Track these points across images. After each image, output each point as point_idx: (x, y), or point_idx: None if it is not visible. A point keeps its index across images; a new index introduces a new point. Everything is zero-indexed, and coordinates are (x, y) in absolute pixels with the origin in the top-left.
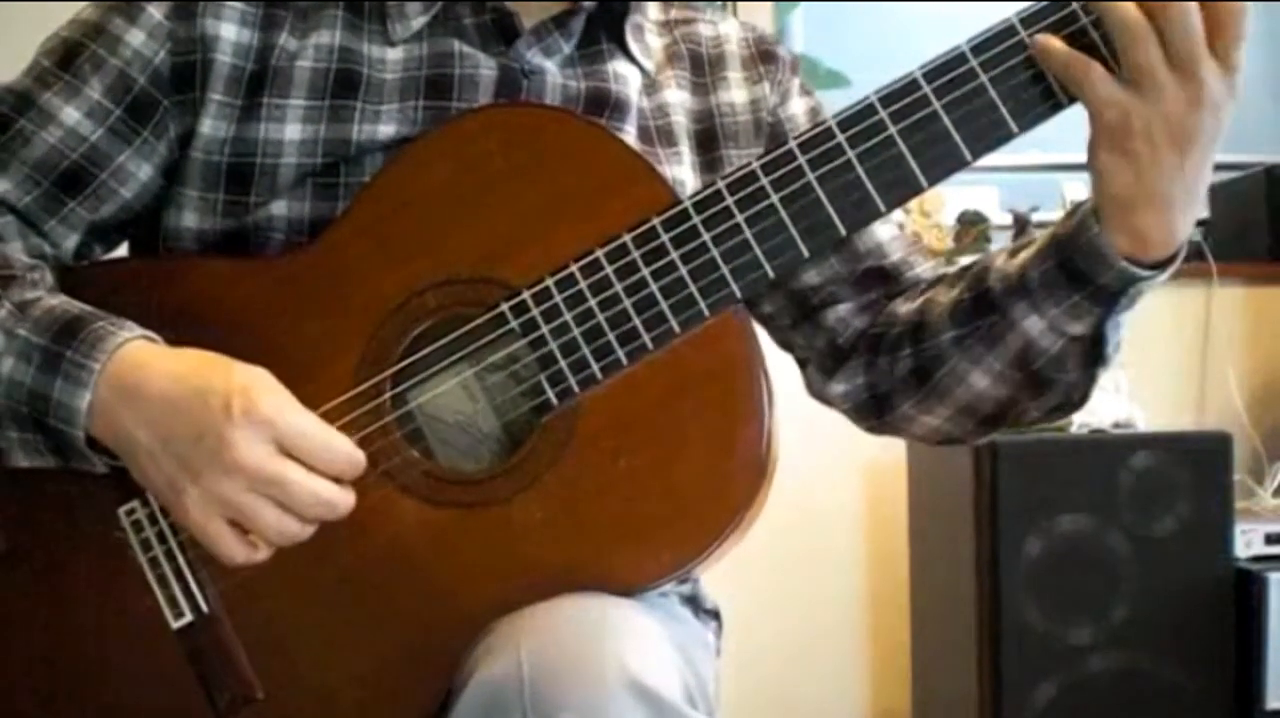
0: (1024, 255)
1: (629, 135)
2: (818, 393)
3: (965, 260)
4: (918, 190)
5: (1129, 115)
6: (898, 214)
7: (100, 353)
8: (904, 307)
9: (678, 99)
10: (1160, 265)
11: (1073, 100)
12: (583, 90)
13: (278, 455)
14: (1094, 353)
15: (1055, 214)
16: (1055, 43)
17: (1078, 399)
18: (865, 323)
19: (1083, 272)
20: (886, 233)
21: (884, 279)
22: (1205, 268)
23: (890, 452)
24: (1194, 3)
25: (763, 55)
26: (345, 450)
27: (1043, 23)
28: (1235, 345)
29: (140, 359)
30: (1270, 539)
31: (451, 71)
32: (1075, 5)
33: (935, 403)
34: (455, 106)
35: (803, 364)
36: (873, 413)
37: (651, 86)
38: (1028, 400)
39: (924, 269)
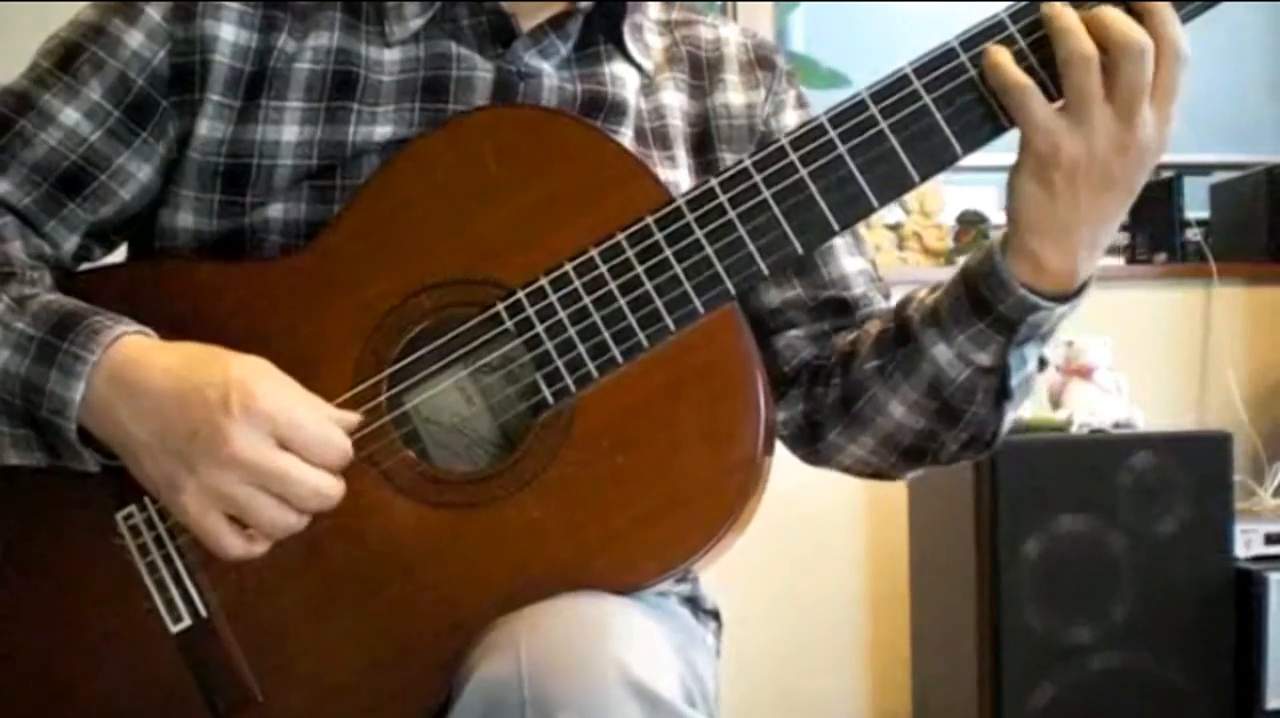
0: (942, 288)
1: (625, 137)
2: None
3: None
4: (911, 185)
5: (1058, 146)
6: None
7: (95, 345)
8: (842, 338)
9: (675, 102)
10: (1061, 299)
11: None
12: (579, 93)
13: (275, 449)
14: (1001, 387)
15: None
16: (1006, 61)
17: (989, 437)
18: (811, 353)
19: (985, 299)
20: (854, 266)
21: (840, 311)
22: (1205, 268)
23: None
24: (1149, 46)
25: (761, 61)
26: (340, 444)
27: (1032, 17)
28: (1235, 345)
29: (136, 353)
30: (1270, 539)
31: (448, 73)
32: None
33: (858, 432)
34: (452, 109)
35: None
36: (807, 441)
37: (649, 87)
38: (944, 433)
39: (878, 307)
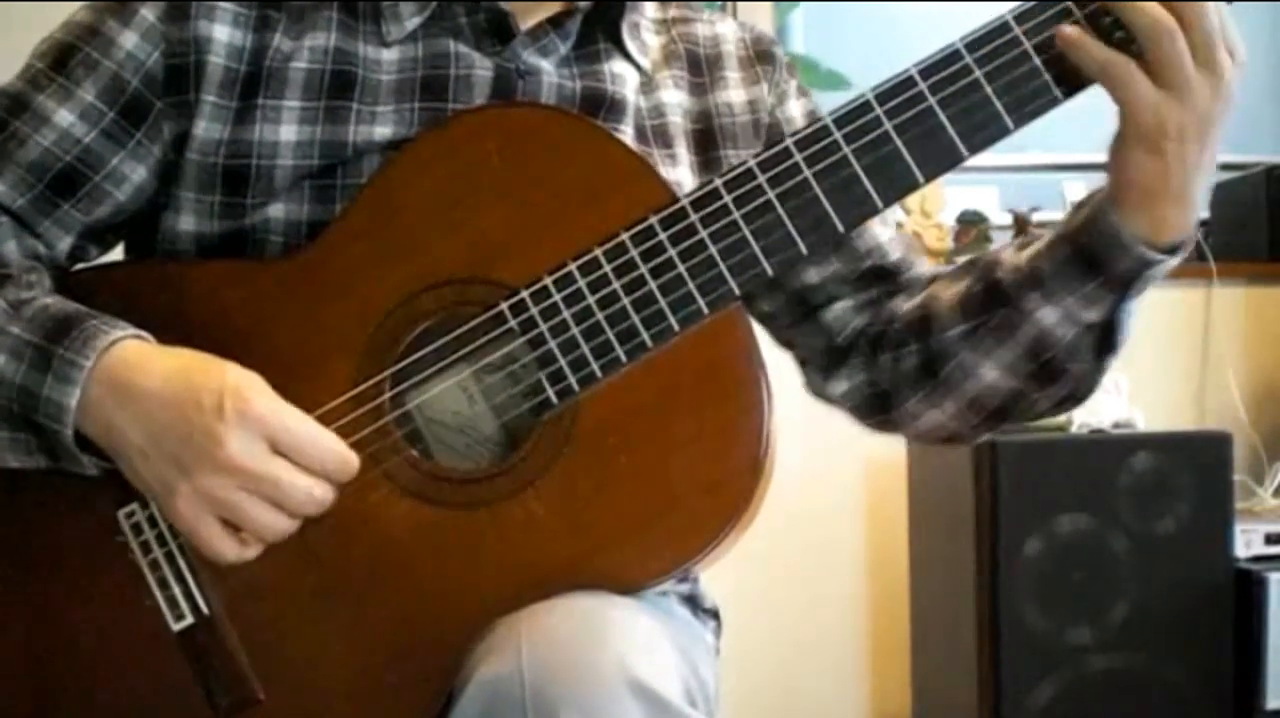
0: (1033, 248)
1: (625, 135)
2: (818, 392)
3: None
4: (915, 186)
5: (1164, 116)
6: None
7: (91, 351)
8: (905, 304)
9: (675, 99)
10: (1173, 250)
11: (1069, 95)
12: (579, 91)
13: (269, 454)
14: (1106, 342)
15: (1055, 214)
16: (1090, 40)
17: (1084, 391)
18: (864, 321)
19: (1098, 258)
20: (885, 234)
21: (884, 278)
22: (1205, 268)
23: (890, 452)
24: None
25: (760, 56)
26: (336, 450)
27: (1037, 19)
28: (1235, 345)
29: (132, 358)
30: (1270, 539)
31: (447, 72)
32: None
33: (942, 398)
34: (451, 107)
35: (802, 363)
36: (875, 410)
37: (648, 85)
38: (1036, 393)
39: (922, 268)
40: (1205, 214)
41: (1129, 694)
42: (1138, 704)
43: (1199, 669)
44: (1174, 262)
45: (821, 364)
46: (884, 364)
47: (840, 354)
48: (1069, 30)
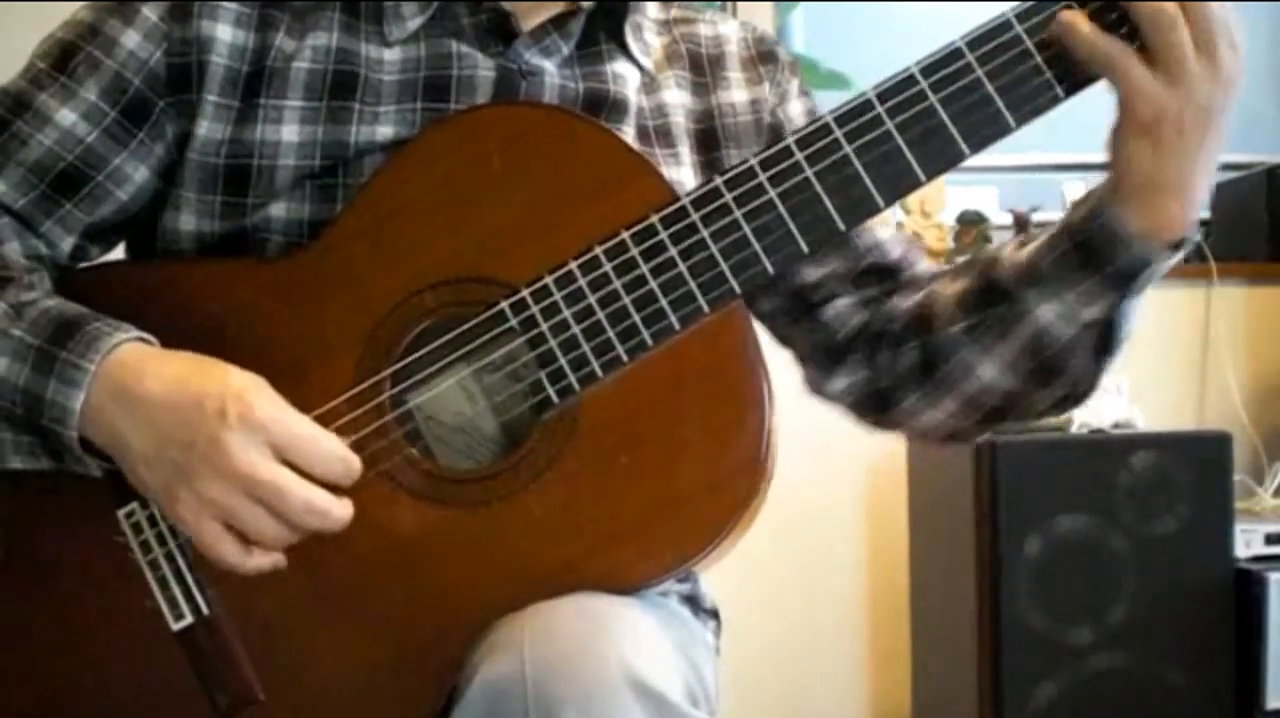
0: (1033, 245)
1: (627, 135)
2: (817, 390)
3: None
4: (916, 184)
5: (1164, 105)
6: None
7: (95, 353)
8: (905, 302)
9: (677, 99)
10: (1174, 246)
11: (1071, 93)
12: (581, 91)
13: (272, 461)
14: (1105, 341)
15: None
16: (1089, 28)
17: (1084, 391)
18: (863, 319)
19: (1099, 254)
20: (885, 232)
21: (884, 276)
22: (1205, 268)
23: (890, 452)
24: None
25: (762, 56)
26: (340, 455)
27: (1038, 17)
28: (1235, 345)
29: (135, 361)
30: (1270, 539)
31: (449, 72)
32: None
33: (941, 396)
34: (454, 107)
35: (802, 361)
36: (874, 408)
37: (651, 85)
38: (1035, 392)
39: (923, 267)
40: (1205, 214)
41: (1129, 695)
42: (1138, 705)
43: (1199, 669)
44: (1175, 258)
45: (821, 362)
46: (883, 362)
47: (840, 352)
48: (1069, 15)
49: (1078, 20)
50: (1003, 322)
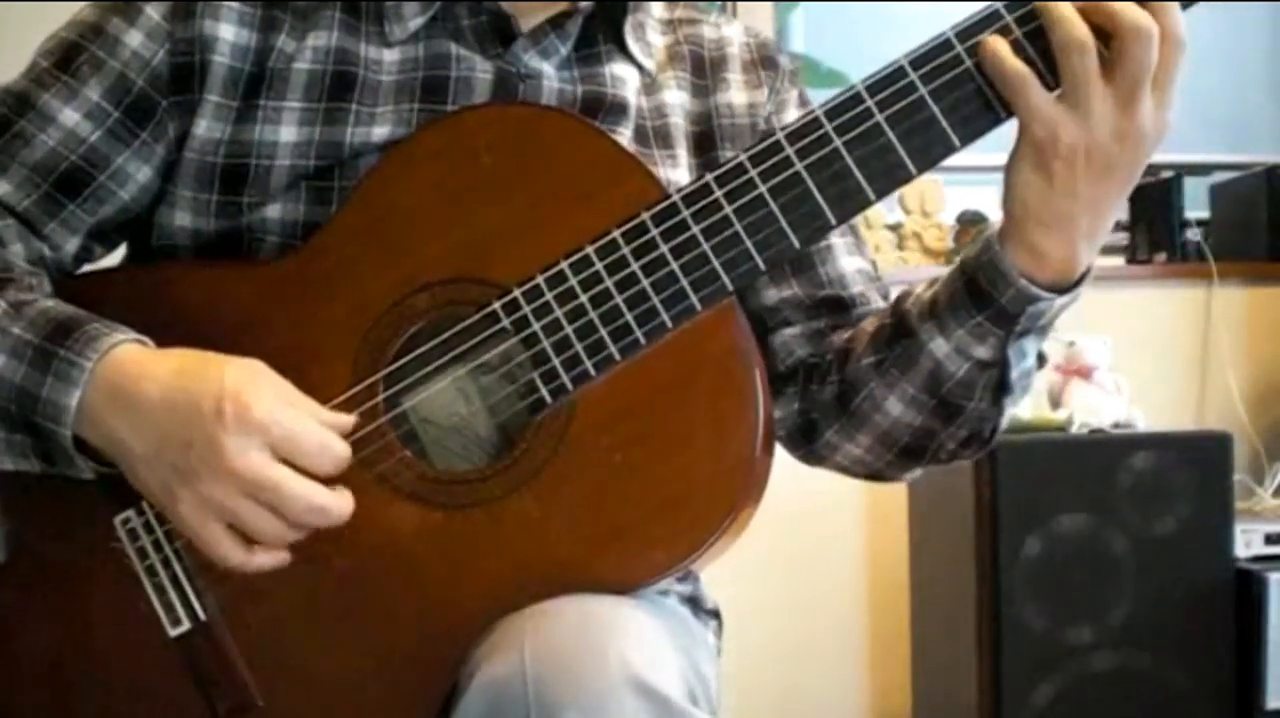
0: (940, 281)
1: (624, 137)
2: None
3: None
4: (908, 178)
5: (1056, 134)
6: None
7: (92, 352)
8: (839, 336)
9: (677, 100)
10: (1061, 290)
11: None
12: (579, 94)
13: (270, 460)
14: (1000, 381)
15: None
16: (1003, 49)
17: (988, 433)
18: (807, 351)
19: (984, 291)
20: (852, 265)
21: (836, 309)
22: (1205, 268)
23: None
24: (1155, 31)
25: (764, 61)
26: (336, 450)
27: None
28: (1235, 345)
29: (132, 362)
30: (1270, 539)
31: (448, 74)
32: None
33: (855, 430)
34: (451, 109)
35: None
36: (802, 440)
37: (651, 86)
38: (941, 430)
39: (876, 306)
40: (1205, 214)
41: (1129, 694)
42: (1138, 704)
43: (1199, 669)
44: (1060, 302)
45: None
46: (812, 393)
47: (780, 381)
48: (990, 40)
49: (994, 41)
50: (905, 356)
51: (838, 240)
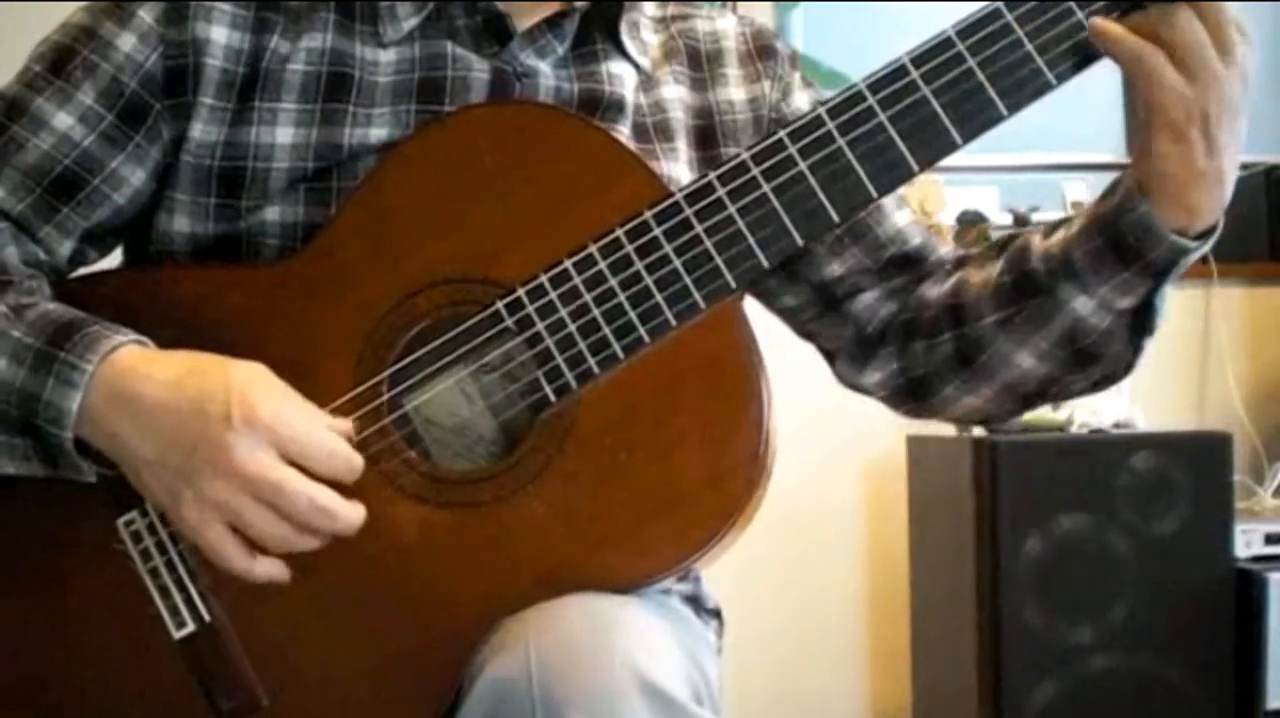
0: (1063, 235)
1: (623, 134)
2: (850, 383)
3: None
4: (910, 175)
5: (1192, 108)
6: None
7: (93, 355)
8: (934, 290)
9: (675, 94)
10: (1204, 235)
11: (1063, 80)
12: (576, 92)
13: (276, 461)
14: (1141, 324)
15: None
16: (1121, 31)
17: (1122, 372)
18: (892, 310)
19: (1132, 248)
20: (903, 218)
21: (908, 265)
22: (1205, 268)
23: (890, 451)
24: None
25: (761, 51)
26: (344, 453)
27: (1027, 5)
28: (1235, 345)
29: (133, 364)
30: (1270, 539)
31: (444, 74)
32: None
33: (980, 384)
34: (448, 109)
35: (830, 356)
36: (911, 398)
37: (648, 83)
38: (1072, 376)
39: (945, 252)
40: None
41: (1129, 694)
42: (1138, 704)
43: (1199, 669)
44: (1206, 247)
45: (852, 354)
46: (917, 352)
47: (871, 343)
48: (1099, 21)
49: (1108, 24)
50: (1039, 313)
51: (884, 200)
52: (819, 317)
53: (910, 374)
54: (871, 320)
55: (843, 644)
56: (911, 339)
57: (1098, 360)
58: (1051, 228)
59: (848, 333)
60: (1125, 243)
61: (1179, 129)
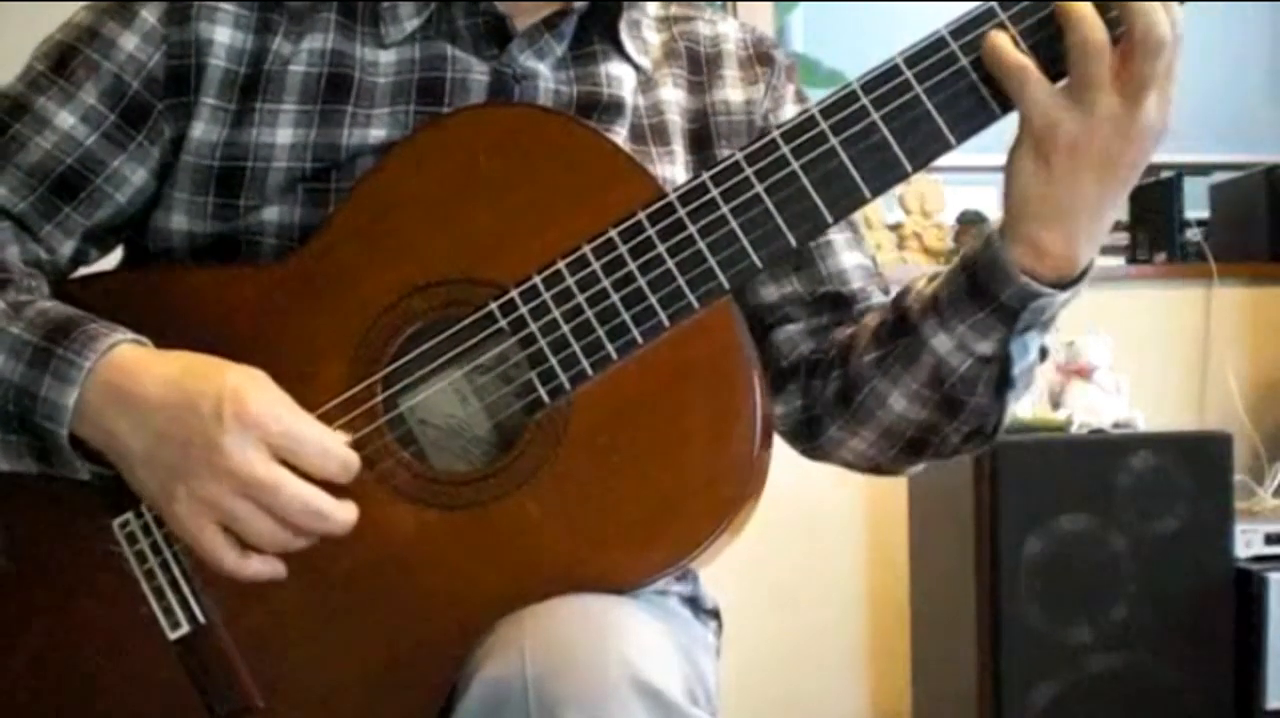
0: (941, 276)
1: (620, 136)
2: None
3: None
4: (903, 176)
5: (1058, 127)
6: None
7: (91, 352)
8: (841, 332)
9: (673, 97)
10: (1062, 286)
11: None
12: (574, 95)
13: (269, 460)
14: (1004, 376)
15: None
16: (1005, 43)
17: (991, 428)
18: (809, 348)
19: (985, 287)
20: (852, 260)
21: (837, 305)
22: (1205, 268)
23: None
24: (1171, 36)
25: (760, 57)
26: (336, 453)
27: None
28: (1235, 345)
29: (131, 362)
30: (1270, 539)
31: (443, 75)
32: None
33: (859, 425)
34: (448, 111)
35: None
36: (805, 436)
37: (647, 84)
38: (945, 425)
39: (877, 302)
40: (1205, 214)
41: (1129, 694)
42: (1138, 705)
43: (1199, 669)
44: (1061, 298)
45: None
46: (814, 389)
47: (783, 377)
48: (990, 34)
49: (996, 37)
50: (906, 352)
51: (837, 236)
52: None
53: (808, 412)
54: (789, 354)
55: (843, 645)
56: (811, 376)
57: (963, 408)
58: (938, 273)
59: (764, 362)
60: (979, 281)
61: (1040, 148)
